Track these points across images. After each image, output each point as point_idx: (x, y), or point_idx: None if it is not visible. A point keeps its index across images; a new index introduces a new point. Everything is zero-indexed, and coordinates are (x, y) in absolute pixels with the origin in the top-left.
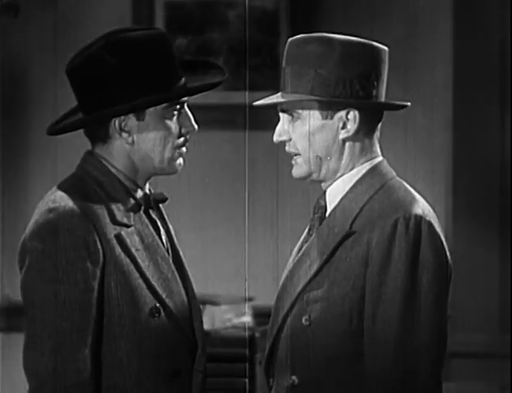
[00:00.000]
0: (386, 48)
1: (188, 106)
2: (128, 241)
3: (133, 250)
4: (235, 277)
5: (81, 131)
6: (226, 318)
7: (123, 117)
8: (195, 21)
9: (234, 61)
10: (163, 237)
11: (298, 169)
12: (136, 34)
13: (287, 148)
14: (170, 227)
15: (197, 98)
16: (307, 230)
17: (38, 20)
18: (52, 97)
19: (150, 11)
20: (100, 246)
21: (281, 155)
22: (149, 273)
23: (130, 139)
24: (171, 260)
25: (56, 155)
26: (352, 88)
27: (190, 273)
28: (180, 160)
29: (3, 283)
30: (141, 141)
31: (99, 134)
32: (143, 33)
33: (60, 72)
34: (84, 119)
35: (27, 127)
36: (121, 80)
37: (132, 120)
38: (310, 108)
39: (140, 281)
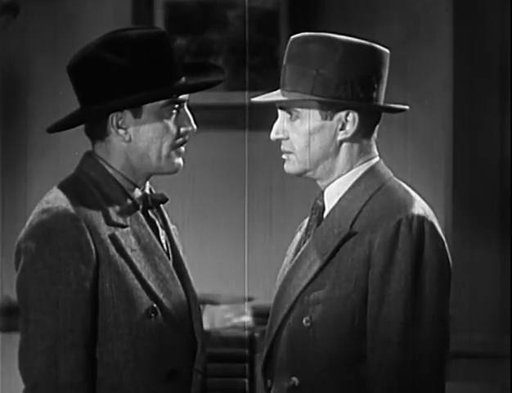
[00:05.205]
0: (387, 51)
1: (188, 106)
2: (122, 241)
3: (128, 250)
4: (235, 277)
5: (81, 132)
6: (225, 317)
7: (119, 114)
8: (195, 21)
9: (234, 62)
10: (163, 238)
11: (292, 166)
12: (134, 33)
13: (282, 147)
14: (171, 227)
15: (197, 98)
16: (303, 231)
17: (38, 20)
18: (52, 98)
19: (149, 11)
20: (93, 247)
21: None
22: (145, 274)
23: (127, 137)
24: (170, 261)
25: (56, 156)
26: (352, 89)
27: (190, 274)
28: (179, 160)
29: (3, 283)
30: (138, 138)
31: (97, 132)
32: (142, 32)
33: (60, 72)
34: (80, 113)
35: (27, 128)
36: (119, 77)
37: (128, 117)
38: (310, 107)
39: (135, 281)
